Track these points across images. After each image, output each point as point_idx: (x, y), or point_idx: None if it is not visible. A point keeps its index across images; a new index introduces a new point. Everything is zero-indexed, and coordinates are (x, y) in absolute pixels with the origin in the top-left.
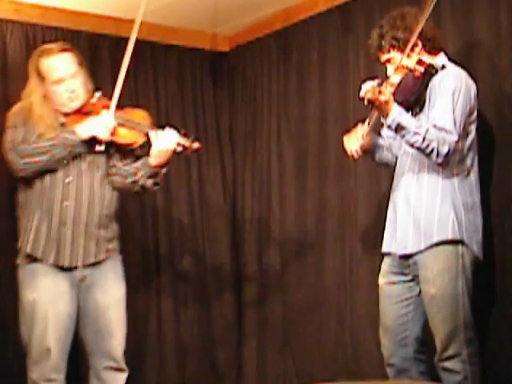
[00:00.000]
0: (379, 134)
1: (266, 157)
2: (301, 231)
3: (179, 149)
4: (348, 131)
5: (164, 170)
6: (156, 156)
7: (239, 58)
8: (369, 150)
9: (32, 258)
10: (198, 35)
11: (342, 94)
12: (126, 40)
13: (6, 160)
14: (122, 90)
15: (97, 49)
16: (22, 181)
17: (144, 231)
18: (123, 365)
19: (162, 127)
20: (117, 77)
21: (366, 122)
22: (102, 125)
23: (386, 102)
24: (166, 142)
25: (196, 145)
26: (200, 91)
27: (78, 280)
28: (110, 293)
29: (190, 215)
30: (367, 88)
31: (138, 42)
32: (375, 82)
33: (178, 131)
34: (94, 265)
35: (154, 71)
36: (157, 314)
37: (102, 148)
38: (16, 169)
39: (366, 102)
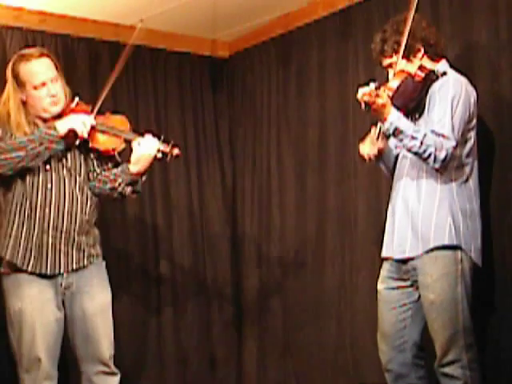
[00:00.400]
0: None
1: (265, 162)
2: (301, 237)
3: (159, 155)
4: (362, 138)
5: (143, 178)
6: (136, 163)
7: (239, 63)
8: (382, 157)
9: (15, 267)
10: (197, 41)
11: (342, 99)
12: (126, 46)
13: None
14: (106, 96)
15: (97, 55)
16: (2, 185)
17: (144, 237)
18: (114, 368)
19: (142, 133)
20: (115, 82)
21: (377, 127)
22: (80, 120)
23: (384, 106)
24: (146, 148)
25: (176, 151)
26: (199, 97)
27: (63, 287)
28: (96, 299)
29: (189, 221)
30: (364, 91)
31: (137, 47)
32: (373, 85)
33: (159, 137)
34: (77, 271)
35: (153, 77)
36: (156, 321)
37: (76, 143)
38: None
39: (362, 104)
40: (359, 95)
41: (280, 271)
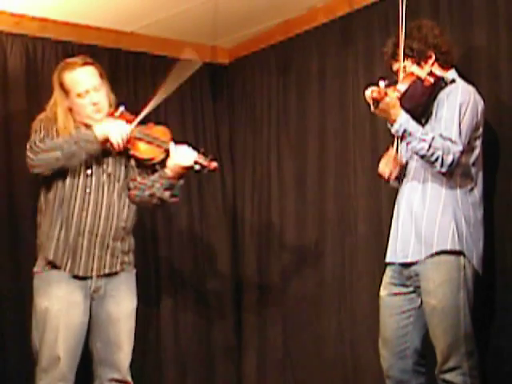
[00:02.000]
0: None
1: (265, 169)
2: (301, 243)
3: (197, 167)
4: (381, 156)
5: (181, 182)
6: (172, 169)
7: (239, 70)
8: (400, 174)
9: (49, 266)
10: (197, 48)
11: (342, 106)
12: (126, 52)
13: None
14: (154, 109)
15: (96, 61)
16: (43, 186)
17: (143, 243)
18: (128, 378)
19: (182, 143)
20: (116, 89)
21: (395, 143)
22: (117, 129)
23: (392, 106)
24: (184, 157)
25: (214, 164)
26: (200, 104)
27: (91, 290)
28: (122, 305)
29: (190, 227)
30: (373, 88)
31: (138, 54)
32: (383, 83)
33: (198, 150)
34: (108, 276)
35: (153, 83)
36: (156, 326)
37: (109, 147)
38: (31, 165)
39: (370, 101)
40: (368, 92)
41: (280, 276)
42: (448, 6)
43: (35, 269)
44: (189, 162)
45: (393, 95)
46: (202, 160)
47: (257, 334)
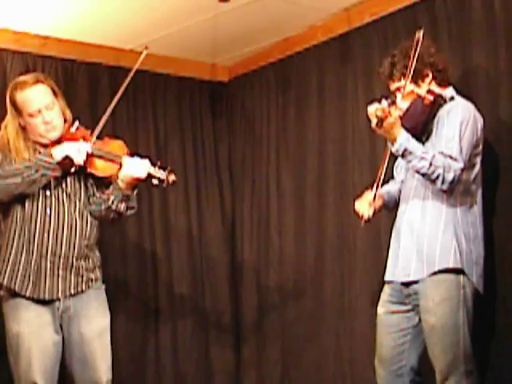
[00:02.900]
0: (387, 181)
1: (264, 186)
2: (300, 261)
3: (155, 181)
4: (359, 196)
5: (135, 192)
6: (123, 180)
7: (238, 87)
8: (381, 209)
9: (13, 291)
10: (197, 65)
11: (341, 123)
12: (126, 70)
13: None
14: (106, 122)
15: (97, 79)
16: (1, 210)
17: (142, 261)
18: None
19: (141, 157)
20: (115, 106)
21: (374, 187)
22: (76, 148)
23: (394, 125)
24: (134, 168)
25: (172, 177)
26: (199, 121)
27: (60, 311)
28: (94, 323)
29: (188, 244)
30: (378, 106)
31: (137, 71)
32: (385, 102)
33: (154, 163)
34: (75, 295)
35: (153, 100)
36: (155, 345)
37: (72, 170)
38: None
39: (374, 118)
40: (371, 110)
41: (279, 296)
42: (447, 25)
43: (1, 293)
44: (139, 174)
45: (395, 114)
46: (158, 173)
47: (256, 352)
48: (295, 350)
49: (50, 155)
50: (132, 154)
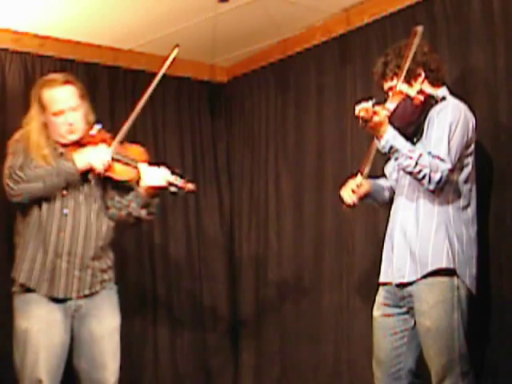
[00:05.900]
0: (378, 177)
1: (263, 187)
2: (298, 260)
3: (173, 189)
4: (344, 184)
5: (156, 200)
6: (144, 189)
7: (237, 88)
8: (368, 197)
9: (26, 288)
10: (196, 66)
11: (340, 124)
12: (125, 70)
13: (3, 185)
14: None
15: (95, 79)
16: (19, 209)
17: (141, 262)
18: None
19: (158, 165)
20: (114, 107)
21: (359, 173)
22: (98, 157)
23: (381, 124)
24: (153, 178)
25: (190, 186)
26: (198, 122)
27: (72, 310)
28: (105, 323)
29: (187, 246)
30: (362, 106)
31: (136, 71)
32: (371, 102)
33: (173, 171)
34: (88, 296)
35: (152, 101)
36: (153, 343)
37: (90, 177)
38: (11, 194)
39: (360, 120)
40: (356, 111)
41: (277, 295)
42: (446, 26)
43: (14, 289)
44: (159, 183)
45: (382, 113)
46: (177, 181)
47: (254, 353)
48: (293, 350)
49: (73, 161)
50: (151, 162)
